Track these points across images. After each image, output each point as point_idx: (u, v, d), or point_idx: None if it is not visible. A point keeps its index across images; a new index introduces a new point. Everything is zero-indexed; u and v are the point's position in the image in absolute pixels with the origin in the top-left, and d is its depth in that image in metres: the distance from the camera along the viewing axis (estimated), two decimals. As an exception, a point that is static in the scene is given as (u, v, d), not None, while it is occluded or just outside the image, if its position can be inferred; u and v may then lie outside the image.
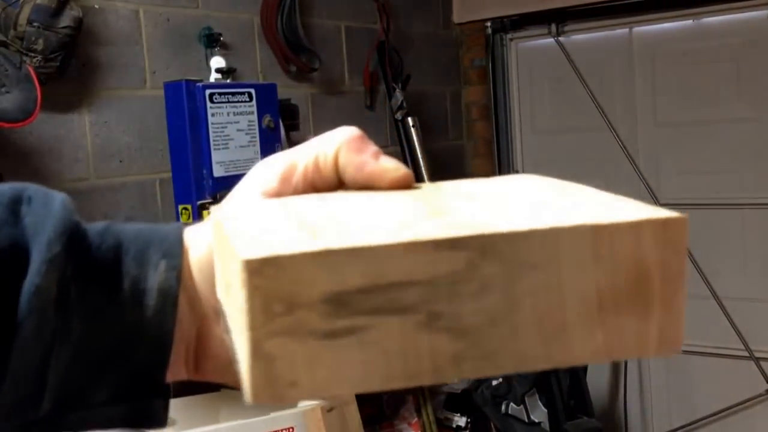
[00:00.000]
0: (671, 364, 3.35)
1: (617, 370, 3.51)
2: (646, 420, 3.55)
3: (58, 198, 0.43)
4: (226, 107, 2.54)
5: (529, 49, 3.74)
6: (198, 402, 2.19)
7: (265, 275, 0.29)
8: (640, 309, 0.32)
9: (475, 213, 0.34)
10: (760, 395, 3.23)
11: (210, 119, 2.49)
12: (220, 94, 2.52)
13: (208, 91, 2.49)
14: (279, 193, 0.42)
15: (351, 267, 0.29)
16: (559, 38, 3.60)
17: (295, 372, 0.30)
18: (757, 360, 3.22)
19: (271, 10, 2.89)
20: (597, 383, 3.43)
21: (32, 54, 2.14)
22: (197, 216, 2.17)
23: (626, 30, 3.50)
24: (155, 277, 0.42)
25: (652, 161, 3.45)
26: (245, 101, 2.59)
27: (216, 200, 2.12)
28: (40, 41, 2.14)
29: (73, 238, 0.41)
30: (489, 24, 3.72)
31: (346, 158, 0.41)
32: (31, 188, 0.43)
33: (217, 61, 2.66)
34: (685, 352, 3.35)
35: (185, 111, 2.47)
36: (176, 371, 0.44)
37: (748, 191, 3.25)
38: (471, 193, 0.39)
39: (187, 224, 0.46)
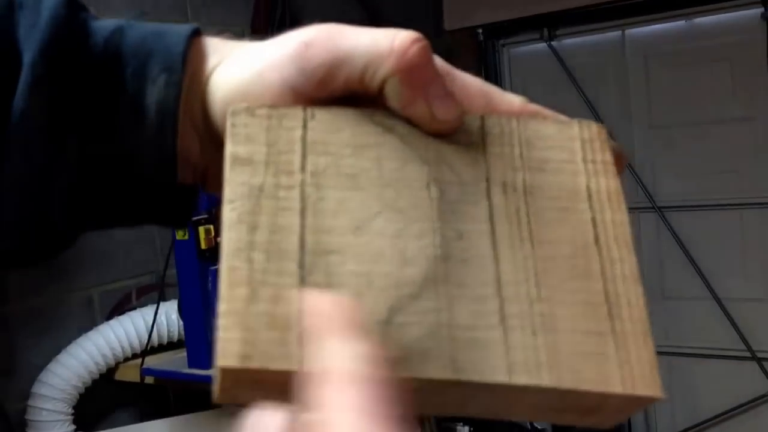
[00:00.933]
0: (673, 367, 3.33)
1: (619, 374, 3.48)
2: (650, 424, 3.53)
3: (50, 3, 0.39)
4: (219, 121, 2.51)
5: (522, 54, 3.73)
6: (199, 420, 2.18)
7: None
8: (585, 415, 0.34)
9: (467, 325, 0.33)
10: (764, 396, 3.21)
11: (203, 134, 2.46)
12: (212, 108, 2.50)
13: (199, 106, 2.47)
14: (312, 98, 0.38)
15: None
16: (552, 42, 3.59)
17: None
18: (759, 360, 3.20)
19: (262, 23, 2.88)
20: (599, 388, 3.40)
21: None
22: (192, 231, 2.14)
23: (618, 32, 3.49)
24: (153, 94, 0.39)
25: (648, 163, 3.44)
26: (238, 115, 2.57)
27: (211, 216, 2.09)
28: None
29: (64, 54, 0.39)
30: (480, 30, 3.70)
31: (395, 90, 0.37)
32: None
33: (209, 75, 2.65)
34: (687, 354, 3.34)
35: (177, 126, 2.45)
36: (188, 179, 0.43)
37: (746, 191, 3.24)
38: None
39: (202, 31, 0.43)
